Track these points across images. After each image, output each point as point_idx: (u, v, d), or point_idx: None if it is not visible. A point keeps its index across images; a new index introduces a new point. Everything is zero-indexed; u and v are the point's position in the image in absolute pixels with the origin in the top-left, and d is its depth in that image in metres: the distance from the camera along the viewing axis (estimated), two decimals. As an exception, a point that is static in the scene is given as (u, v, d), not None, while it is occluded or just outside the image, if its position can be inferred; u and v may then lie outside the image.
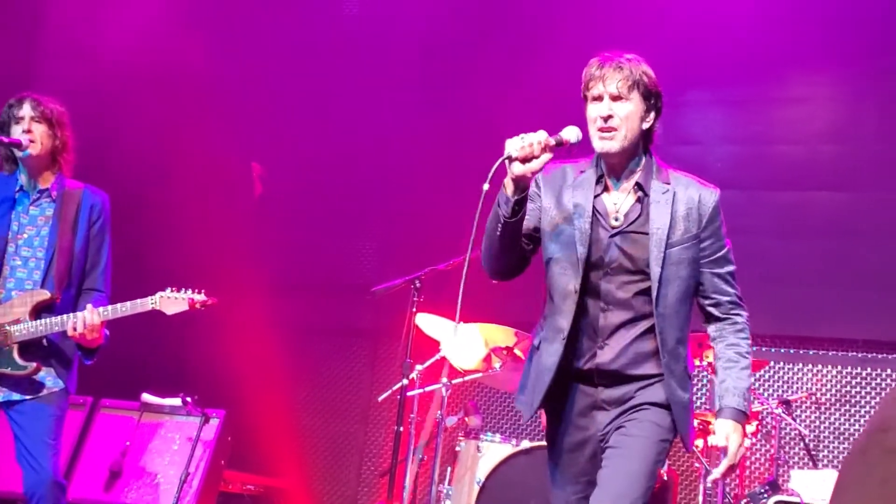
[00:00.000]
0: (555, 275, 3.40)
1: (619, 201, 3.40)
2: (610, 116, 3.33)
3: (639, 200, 3.38)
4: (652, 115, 3.41)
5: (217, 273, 7.06)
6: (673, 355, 3.32)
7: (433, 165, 7.77)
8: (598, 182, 3.42)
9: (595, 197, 3.40)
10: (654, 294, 3.29)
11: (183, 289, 4.49)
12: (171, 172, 7.84)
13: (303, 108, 8.20)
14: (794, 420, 6.25)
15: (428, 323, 6.14)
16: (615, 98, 3.34)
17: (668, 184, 3.40)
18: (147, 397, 6.32)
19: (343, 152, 8.12)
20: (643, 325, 3.34)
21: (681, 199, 3.38)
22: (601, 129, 3.34)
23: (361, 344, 8.03)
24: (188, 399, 6.01)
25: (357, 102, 8.12)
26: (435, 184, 7.70)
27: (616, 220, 3.37)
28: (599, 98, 3.36)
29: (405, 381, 5.60)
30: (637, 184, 3.39)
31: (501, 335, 5.99)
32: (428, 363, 6.05)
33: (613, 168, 3.42)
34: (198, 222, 7.72)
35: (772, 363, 6.90)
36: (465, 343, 6.10)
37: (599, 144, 3.36)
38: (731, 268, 3.48)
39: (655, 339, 3.32)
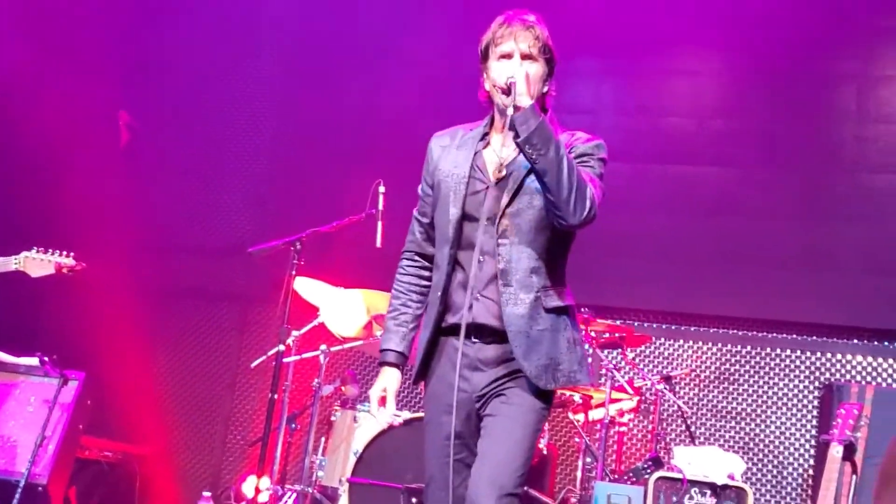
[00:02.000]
0: (437, 234, 3.55)
1: (505, 155, 3.49)
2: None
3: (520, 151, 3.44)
4: (549, 79, 3.52)
5: (78, 228, 6.95)
6: (523, 284, 3.39)
7: (316, 120, 7.75)
8: (482, 139, 3.55)
9: (475, 153, 3.52)
10: (505, 223, 3.39)
11: (50, 250, 4.35)
12: (29, 119, 7.61)
13: (177, 52, 8.06)
14: (675, 396, 6.48)
15: (307, 287, 6.15)
16: (525, 57, 3.42)
17: None
18: (0, 355, 6.17)
19: (219, 101, 8.02)
20: None
21: None
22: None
23: (231, 307, 7.96)
24: (46, 359, 5.88)
25: (235, 46, 8.01)
26: (318, 139, 7.69)
27: (500, 172, 3.47)
28: (508, 55, 3.43)
29: (281, 347, 5.60)
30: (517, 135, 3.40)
31: (384, 302, 5.95)
32: (305, 329, 6.07)
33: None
34: (57, 173, 7.54)
35: (653, 339, 7.11)
36: (345, 309, 6.13)
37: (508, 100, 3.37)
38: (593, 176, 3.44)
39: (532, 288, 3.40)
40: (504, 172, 3.46)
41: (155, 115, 8.12)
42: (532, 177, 3.38)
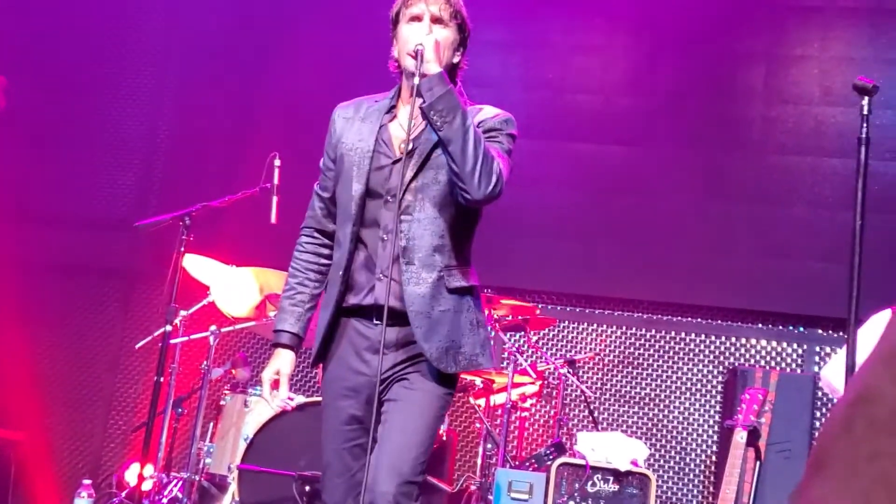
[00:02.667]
0: (339, 211, 3.47)
1: (411, 128, 3.39)
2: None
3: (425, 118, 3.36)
4: (461, 49, 3.47)
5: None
6: (425, 263, 3.34)
7: (209, 89, 7.59)
8: (388, 111, 3.48)
9: (381, 126, 3.46)
10: (408, 199, 3.34)
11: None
12: None
13: (62, 17, 7.82)
14: (578, 380, 6.51)
15: (196, 265, 6.03)
16: (436, 20, 3.38)
17: None
18: None
19: (106, 67, 7.80)
20: None
21: None
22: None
23: (114, 285, 7.77)
24: (-88, 339, 5.70)
25: (124, 15, 7.81)
26: (211, 109, 7.55)
27: (406, 146, 3.39)
28: (419, 18, 3.39)
29: (168, 328, 5.48)
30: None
31: (278, 281, 5.89)
32: (194, 308, 5.96)
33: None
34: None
35: (558, 321, 7.13)
36: (237, 288, 6.03)
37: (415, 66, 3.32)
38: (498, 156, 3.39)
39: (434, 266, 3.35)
40: (410, 146, 3.39)
41: (36, 80, 7.86)
42: (438, 151, 3.33)
